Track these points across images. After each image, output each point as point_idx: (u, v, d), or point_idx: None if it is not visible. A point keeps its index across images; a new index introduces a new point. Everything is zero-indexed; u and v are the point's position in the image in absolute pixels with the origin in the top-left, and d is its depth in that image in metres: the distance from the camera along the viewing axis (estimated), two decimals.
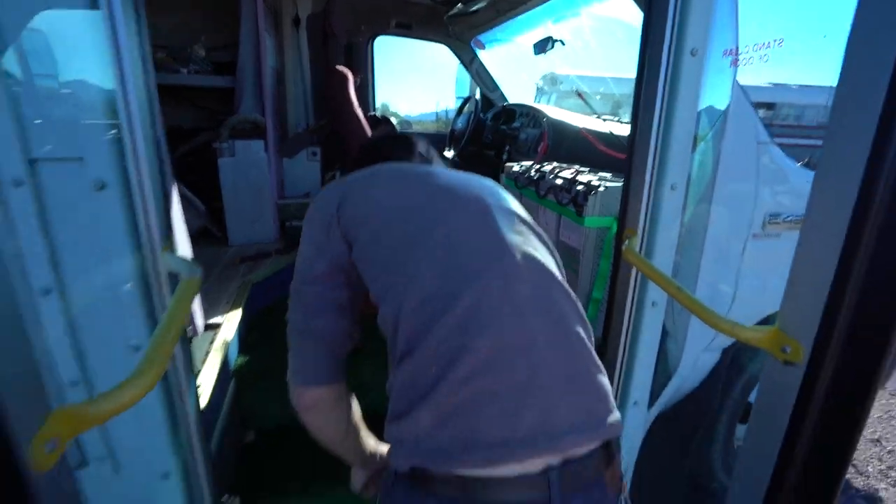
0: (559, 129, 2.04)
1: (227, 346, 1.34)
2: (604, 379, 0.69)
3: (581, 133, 1.90)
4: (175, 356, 0.79)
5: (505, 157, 2.58)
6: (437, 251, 0.68)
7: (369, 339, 0.94)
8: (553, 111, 2.39)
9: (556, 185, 1.38)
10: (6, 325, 0.38)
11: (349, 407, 0.79)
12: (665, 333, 1.42)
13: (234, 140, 2.24)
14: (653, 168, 0.93)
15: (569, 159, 1.85)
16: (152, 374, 0.48)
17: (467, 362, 0.61)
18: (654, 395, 1.23)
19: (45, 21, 0.70)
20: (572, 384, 0.65)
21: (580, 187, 1.28)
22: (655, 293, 0.99)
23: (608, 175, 1.41)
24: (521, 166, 1.72)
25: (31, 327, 0.77)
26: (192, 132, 2.68)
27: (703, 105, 1.06)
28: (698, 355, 1.50)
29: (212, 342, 1.31)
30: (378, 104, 4.51)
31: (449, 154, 3.10)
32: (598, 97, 2.93)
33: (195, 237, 2.38)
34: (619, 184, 1.22)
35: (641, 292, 1.00)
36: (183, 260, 0.75)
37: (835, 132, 0.54)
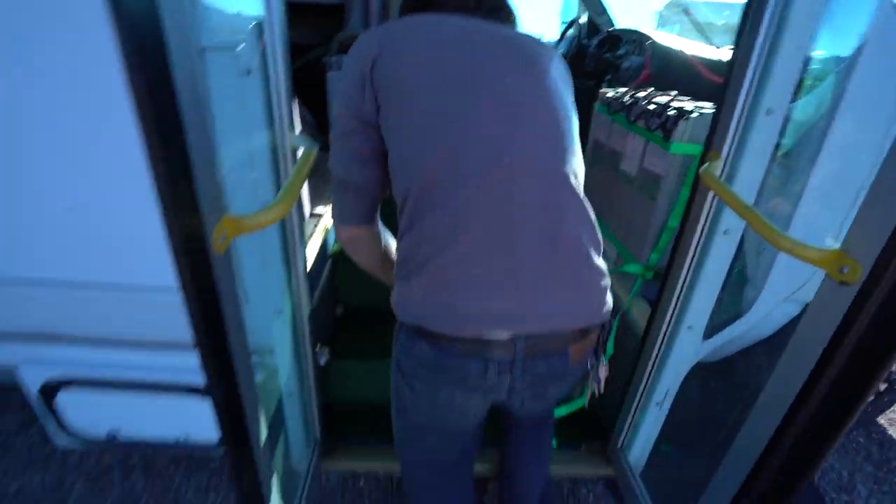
0: (664, 55, 1.89)
1: (326, 231, 1.57)
2: (594, 276, 0.78)
3: (689, 60, 1.76)
4: (292, 225, 0.98)
5: (604, 86, 2.46)
6: (452, 141, 0.70)
7: None
8: (662, 36, 2.20)
9: (648, 111, 1.34)
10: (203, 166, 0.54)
11: (380, 244, 0.87)
12: (744, 278, 1.39)
13: (342, 55, 2.39)
14: (749, 88, 0.89)
15: (673, 89, 1.74)
16: (281, 208, 0.64)
17: (453, 250, 0.70)
18: (715, 328, 1.25)
19: None
20: (552, 280, 0.73)
21: (672, 112, 1.24)
22: (730, 221, 0.98)
23: (708, 104, 1.34)
24: (616, 92, 1.66)
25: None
26: (306, 48, 2.87)
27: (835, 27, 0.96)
28: (776, 305, 1.45)
29: (315, 226, 1.54)
30: None
31: None
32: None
33: None
34: None
35: (714, 219, 1.00)
36: (304, 137, 0.91)
37: None
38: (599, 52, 2.68)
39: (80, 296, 1.07)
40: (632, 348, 1.31)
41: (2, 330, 1.15)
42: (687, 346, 1.17)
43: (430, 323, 0.74)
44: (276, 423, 1.23)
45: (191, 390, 1.17)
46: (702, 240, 1.04)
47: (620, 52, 2.47)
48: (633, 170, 1.44)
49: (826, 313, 0.65)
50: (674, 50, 1.91)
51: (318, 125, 2.67)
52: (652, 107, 1.35)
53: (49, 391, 1.15)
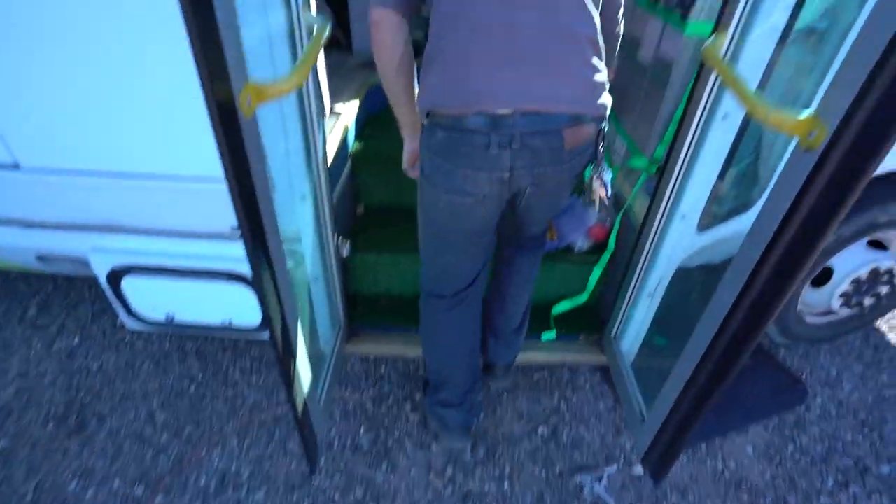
0: None
1: (346, 130, 1.64)
2: (589, 70, 0.91)
3: None
4: (311, 110, 1.05)
5: None
6: None
7: None
8: None
9: None
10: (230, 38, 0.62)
11: (403, 37, 0.94)
12: (754, 173, 1.38)
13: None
14: None
15: None
16: (296, 78, 0.73)
17: (463, 34, 0.86)
18: (711, 221, 1.29)
19: None
20: (549, 66, 0.88)
21: None
22: (730, 104, 0.99)
23: None
24: None
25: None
26: None
27: None
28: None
29: (335, 123, 1.61)
30: None
31: None
32: None
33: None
34: None
35: (715, 102, 1.01)
36: (317, 15, 0.96)
37: None
38: None
39: (139, 187, 1.22)
40: (630, 244, 1.38)
41: (74, 221, 1.33)
42: (680, 236, 1.23)
43: (444, 101, 0.90)
44: (304, 307, 1.41)
45: (234, 277, 1.32)
46: (700, 126, 1.05)
47: None
48: (648, 58, 1.41)
49: (790, 180, 0.70)
50: None
51: (339, 24, 2.62)
52: None
53: (115, 278, 1.35)
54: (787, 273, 0.72)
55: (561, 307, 1.72)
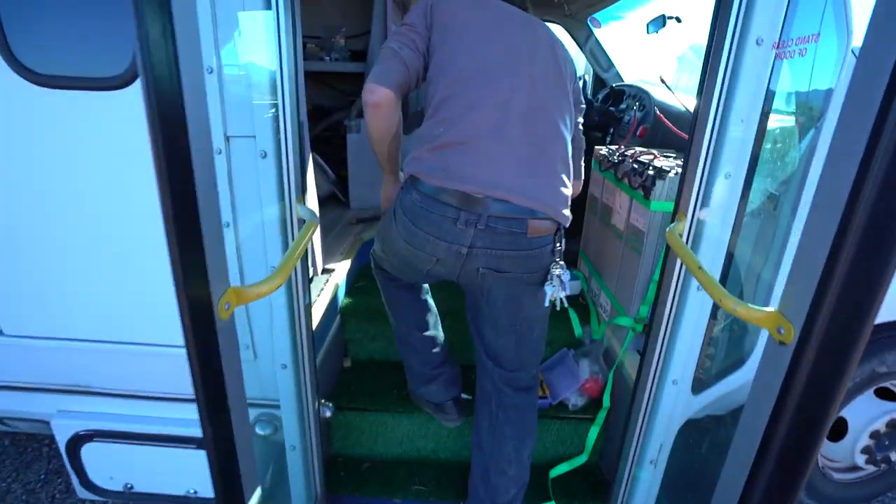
0: (660, 110, 2.00)
1: (337, 287, 1.69)
2: (559, 184, 1.09)
3: (676, 115, 1.85)
4: (297, 287, 1.09)
5: (608, 139, 2.57)
6: (479, 54, 1.06)
7: None
8: (659, 91, 2.31)
9: (633, 170, 1.43)
10: (214, 244, 0.66)
11: (398, 114, 1.09)
12: (742, 326, 1.39)
13: (361, 119, 2.61)
14: (707, 153, 0.97)
15: (667, 145, 1.83)
16: (279, 279, 0.75)
17: (460, 132, 1.02)
18: (707, 381, 1.26)
19: (235, 19, 0.94)
20: (528, 170, 1.04)
21: (651, 172, 1.32)
22: None
23: None
24: (609, 150, 1.76)
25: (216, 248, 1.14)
26: (330, 110, 3.15)
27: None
28: None
29: (326, 282, 1.66)
30: None
31: None
32: None
33: (324, 200, 2.84)
34: None
35: (688, 275, 1.05)
36: (309, 210, 1.04)
37: (837, 134, 0.58)
38: (604, 107, 2.82)
39: (109, 351, 1.21)
40: (626, 403, 1.33)
41: (40, 383, 1.30)
42: (674, 402, 1.19)
43: (428, 173, 1.03)
44: (278, 477, 1.30)
45: (201, 443, 1.26)
46: (677, 294, 1.08)
47: (622, 105, 2.60)
48: (621, 224, 1.51)
49: (771, 371, 0.69)
50: (668, 105, 2.02)
51: (338, 180, 2.88)
52: (636, 166, 1.44)
53: (75, 444, 1.27)
54: (788, 477, 0.66)
55: (559, 469, 1.57)
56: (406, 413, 1.55)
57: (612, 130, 2.57)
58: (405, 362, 1.51)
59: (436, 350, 1.46)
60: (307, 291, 1.14)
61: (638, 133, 2.10)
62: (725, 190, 0.97)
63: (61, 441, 1.27)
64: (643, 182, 1.33)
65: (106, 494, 1.36)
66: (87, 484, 1.33)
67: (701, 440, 1.43)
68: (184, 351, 0.61)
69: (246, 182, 1.03)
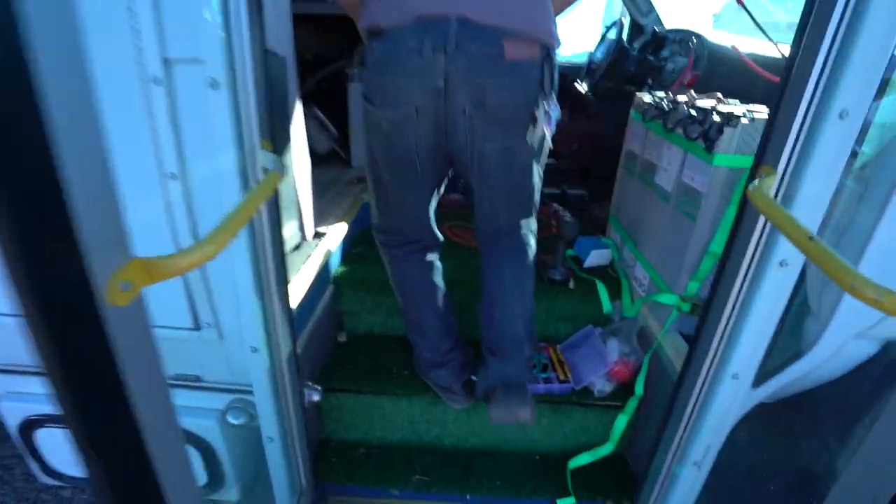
0: (713, 54, 1.69)
1: (329, 254, 1.47)
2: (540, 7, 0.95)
3: (742, 59, 1.54)
4: (266, 253, 0.88)
5: (646, 90, 2.25)
6: None
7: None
8: (712, 34, 1.98)
9: (689, 117, 1.16)
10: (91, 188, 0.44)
11: None
12: (805, 308, 1.16)
13: (364, 67, 2.32)
14: (815, 87, 0.71)
15: (725, 94, 1.53)
16: (211, 247, 0.53)
17: None
18: (768, 373, 1.04)
19: None
20: None
21: (716, 118, 1.05)
22: (787, 250, 0.79)
23: (763, 109, 1.13)
24: (655, 97, 1.48)
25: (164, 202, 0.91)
26: (329, 60, 2.84)
27: None
28: (847, 341, 1.21)
29: (316, 247, 1.45)
30: None
31: (582, 88, 2.81)
32: None
33: (325, 158, 2.60)
34: None
35: (767, 247, 0.81)
36: (273, 157, 0.81)
37: None
38: (643, 56, 2.48)
39: None
40: (664, 392, 1.12)
41: None
42: (732, 397, 0.97)
43: (382, 17, 0.93)
44: (259, 471, 1.13)
45: None
46: (751, 271, 0.85)
47: (664, 53, 2.26)
48: (668, 184, 1.25)
49: None
50: (724, 47, 1.70)
51: (340, 136, 2.62)
52: (693, 112, 1.16)
53: (27, 429, 1.11)
54: None
55: (580, 459, 1.40)
56: (406, 396, 1.37)
57: (650, 82, 2.25)
58: (414, 346, 1.37)
59: (447, 336, 1.32)
60: (280, 259, 0.92)
61: (686, 81, 1.80)
62: (839, 133, 0.71)
63: (12, 426, 1.11)
64: (705, 131, 1.06)
65: (73, 481, 1.22)
66: (48, 471, 1.18)
67: (746, 431, 1.24)
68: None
69: (194, 121, 0.80)
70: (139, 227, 0.50)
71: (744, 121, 1.00)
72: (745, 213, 0.83)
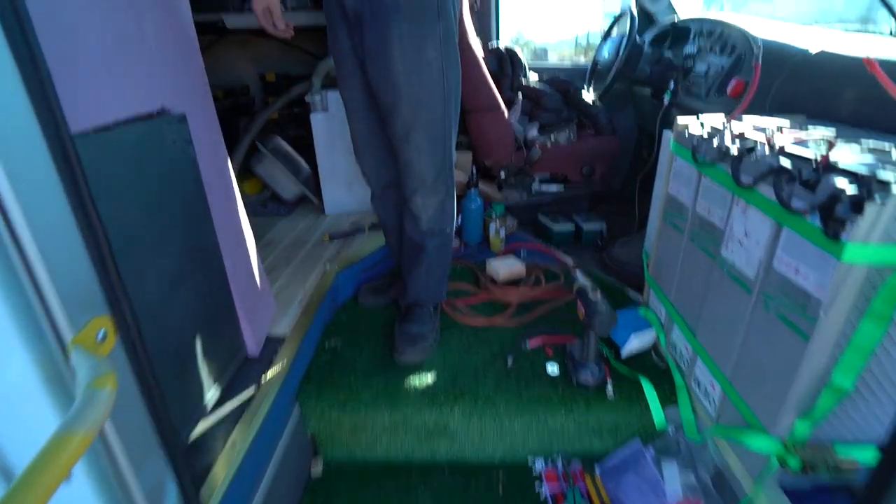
0: (773, 54, 1.29)
1: (288, 365, 1.11)
2: None
3: (870, 70, 1.11)
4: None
5: (668, 98, 1.85)
6: None
7: None
8: (754, 24, 1.58)
9: (782, 169, 0.77)
10: None
11: None
12: None
13: (328, 91, 1.95)
14: None
15: (793, 110, 1.14)
16: None
17: None
18: None
19: None
20: None
21: (842, 181, 0.67)
22: None
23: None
24: (705, 126, 1.09)
25: None
26: (300, 79, 2.45)
27: None
28: None
29: (269, 367, 1.08)
30: (514, 34, 3.81)
31: (589, 97, 2.40)
32: None
33: (294, 204, 2.24)
34: None
35: None
36: (92, 360, 0.44)
37: None
38: (658, 51, 2.06)
39: None
40: None
41: None
42: None
43: None
44: None
45: None
46: None
47: (689, 48, 1.86)
48: (748, 267, 0.87)
49: None
50: (790, 46, 1.28)
51: (312, 175, 2.27)
52: (787, 162, 0.78)
53: None
54: None
55: None
56: None
57: (671, 86, 1.85)
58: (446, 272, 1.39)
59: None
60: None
61: (729, 91, 1.41)
62: None
63: None
64: (825, 203, 0.68)
65: None
66: None
67: None
68: None
69: None
70: None
71: None
72: None
